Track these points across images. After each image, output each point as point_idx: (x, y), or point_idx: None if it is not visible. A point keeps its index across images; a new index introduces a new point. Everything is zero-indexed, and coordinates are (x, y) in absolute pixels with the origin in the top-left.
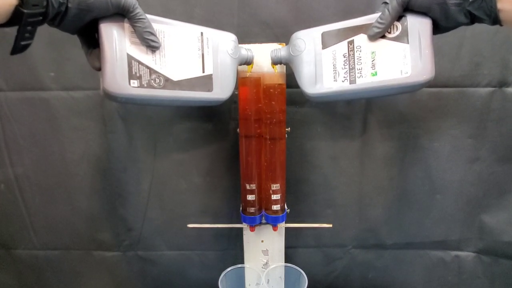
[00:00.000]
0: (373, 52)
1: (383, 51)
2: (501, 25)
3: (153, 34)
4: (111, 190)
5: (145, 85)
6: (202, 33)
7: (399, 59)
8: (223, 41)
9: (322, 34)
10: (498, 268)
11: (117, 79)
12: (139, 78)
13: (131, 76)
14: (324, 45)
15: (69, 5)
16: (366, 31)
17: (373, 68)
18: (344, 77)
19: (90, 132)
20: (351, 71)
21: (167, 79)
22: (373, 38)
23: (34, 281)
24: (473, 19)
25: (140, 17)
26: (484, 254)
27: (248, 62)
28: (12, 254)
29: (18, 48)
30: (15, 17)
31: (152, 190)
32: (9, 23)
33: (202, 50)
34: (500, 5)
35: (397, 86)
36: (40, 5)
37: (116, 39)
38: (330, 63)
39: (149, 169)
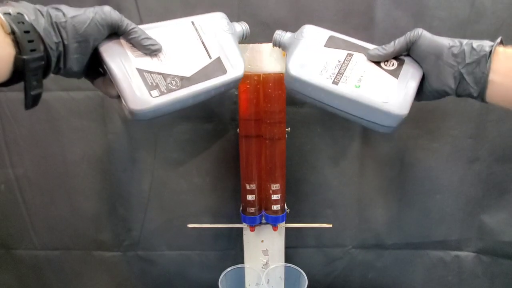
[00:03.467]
0: (365, 71)
1: (374, 75)
2: (484, 100)
3: (150, 38)
4: (111, 190)
5: (165, 91)
6: (193, 22)
7: (385, 87)
8: (215, 22)
9: (330, 36)
10: (498, 268)
11: (137, 95)
12: (157, 86)
13: (149, 88)
14: (327, 45)
15: (65, 42)
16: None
17: (359, 82)
18: (330, 75)
19: (90, 132)
20: (338, 74)
21: (182, 78)
22: (371, 58)
23: (34, 281)
24: (458, 88)
25: (131, 27)
26: (484, 254)
27: (245, 35)
28: (12, 254)
29: (29, 99)
30: (18, 67)
31: (152, 190)
32: (13, 76)
33: (201, 38)
34: (492, 75)
35: (372, 108)
36: (38, 49)
37: (120, 58)
38: (324, 59)
39: (149, 170)
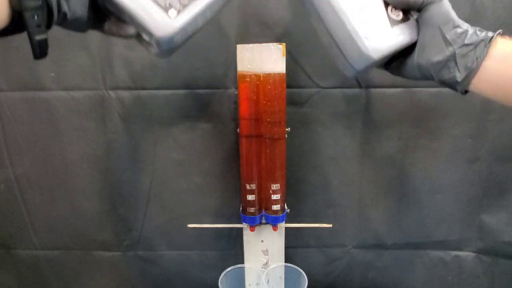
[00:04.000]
0: (370, 3)
1: (376, 11)
2: (465, 88)
3: None
4: (111, 190)
5: (181, 8)
6: None
7: (376, 27)
8: None
9: None
10: (498, 268)
11: (158, 20)
12: (171, 5)
13: (165, 9)
14: None
15: None
16: None
17: (359, 6)
18: None
19: (90, 132)
20: None
21: None
22: None
23: (34, 282)
24: (442, 70)
25: None
26: (484, 254)
27: None
28: (12, 254)
29: (35, 46)
30: (14, 7)
31: (152, 190)
32: (14, 23)
33: None
34: (486, 60)
35: (350, 36)
36: None
37: None
38: None
39: (149, 169)
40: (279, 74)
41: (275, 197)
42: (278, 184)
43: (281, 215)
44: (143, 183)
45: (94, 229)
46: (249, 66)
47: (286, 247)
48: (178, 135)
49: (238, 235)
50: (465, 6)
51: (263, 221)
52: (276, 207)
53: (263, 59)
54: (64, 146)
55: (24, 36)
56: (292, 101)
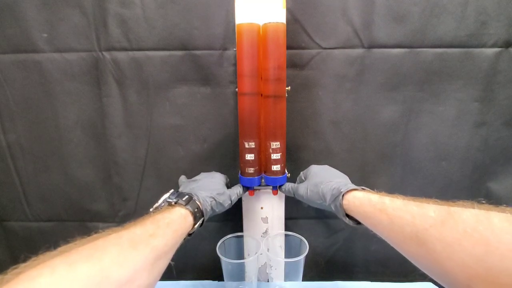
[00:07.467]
0: None
1: None
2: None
3: None
4: (106, 157)
5: None
6: None
7: None
8: None
9: None
10: None
11: None
12: None
13: None
14: None
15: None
16: None
17: None
18: None
19: (84, 96)
20: None
21: None
22: None
23: (26, 254)
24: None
25: None
26: None
27: None
28: (4, 226)
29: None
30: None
31: (148, 157)
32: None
33: None
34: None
35: None
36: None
37: None
38: None
39: (145, 136)
40: (279, 24)
41: (275, 156)
42: (278, 142)
43: (281, 176)
44: (139, 150)
45: (89, 199)
46: (248, 17)
47: (286, 218)
48: (174, 99)
49: (237, 205)
50: None
51: (263, 183)
52: (276, 167)
53: (263, 10)
54: (57, 111)
55: None
56: (292, 64)
